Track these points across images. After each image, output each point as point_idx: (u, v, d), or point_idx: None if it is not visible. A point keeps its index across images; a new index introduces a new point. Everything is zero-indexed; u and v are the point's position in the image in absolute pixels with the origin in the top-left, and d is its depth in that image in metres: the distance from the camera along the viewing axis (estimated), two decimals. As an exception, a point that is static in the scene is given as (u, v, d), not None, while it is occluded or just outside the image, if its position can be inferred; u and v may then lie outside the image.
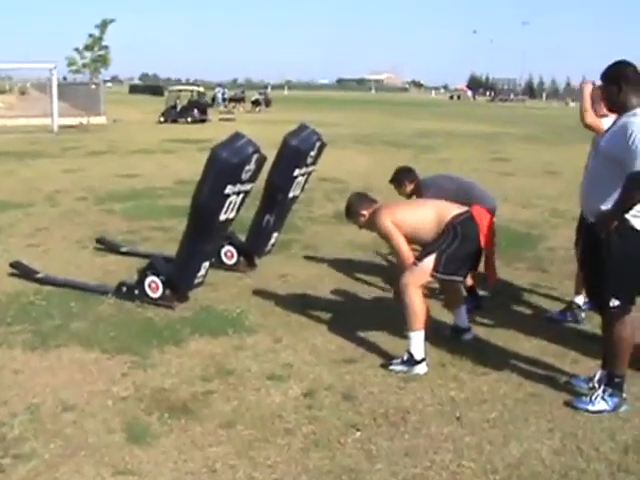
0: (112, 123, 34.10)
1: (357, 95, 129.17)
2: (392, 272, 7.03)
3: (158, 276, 6.96)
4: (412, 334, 5.61)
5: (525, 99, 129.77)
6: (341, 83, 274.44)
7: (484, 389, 5.25)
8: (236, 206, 6.70)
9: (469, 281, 6.96)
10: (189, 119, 36.45)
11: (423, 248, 5.81)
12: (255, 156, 6.54)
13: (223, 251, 8.23)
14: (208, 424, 4.68)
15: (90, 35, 35.59)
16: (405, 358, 5.58)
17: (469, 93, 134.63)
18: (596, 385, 5.03)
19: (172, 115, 36.72)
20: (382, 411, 4.88)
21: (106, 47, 36.14)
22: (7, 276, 7.76)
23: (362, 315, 6.76)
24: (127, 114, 40.67)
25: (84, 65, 36.09)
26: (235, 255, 8.28)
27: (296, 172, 8.06)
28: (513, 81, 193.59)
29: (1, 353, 5.81)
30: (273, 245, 8.75)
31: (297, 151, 8.01)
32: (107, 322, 6.48)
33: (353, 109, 57.73)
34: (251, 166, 6.53)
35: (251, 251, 8.43)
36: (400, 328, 6.17)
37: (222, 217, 6.61)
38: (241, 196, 6.67)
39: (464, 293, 6.81)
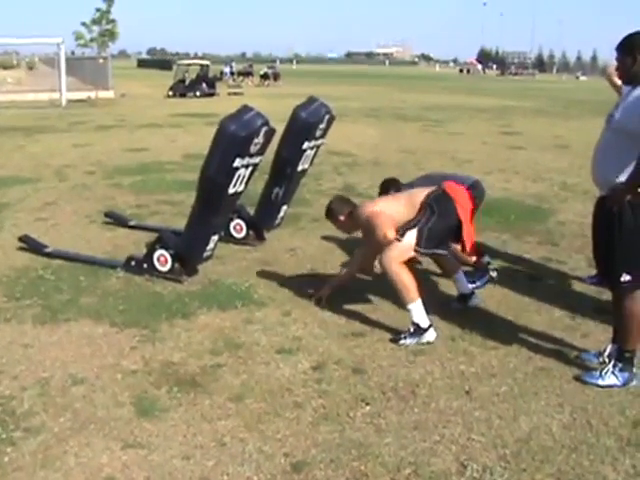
0: (120, 97, 34.04)
1: (366, 69, 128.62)
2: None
3: (167, 250, 6.95)
4: (410, 306, 5.63)
5: (535, 72, 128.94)
6: (350, 57, 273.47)
7: (494, 363, 5.24)
8: (245, 179, 6.68)
9: (472, 258, 6.98)
10: (197, 93, 36.33)
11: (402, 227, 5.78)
12: (264, 129, 6.50)
13: (232, 224, 8.22)
14: (217, 397, 4.68)
15: (97, 9, 35.31)
16: (412, 330, 5.59)
17: (479, 67, 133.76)
18: (606, 360, 5.01)
19: (180, 89, 36.60)
20: (391, 385, 4.88)
21: (113, 21, 35.86)
22: (16, 250, 7.77)
23: (371, 289, 6.74)
24: (135, 88, 40.63)
25: (91, 39, 35.82)
26: (244, 228, 8.26)
27: (305, 145, 8.04)
28: (523, 54, 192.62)
29: (10, 328, 5.82)
30: (282, 218, 8.77)
31: (306, 124, 7.98)
32: (116, 296, 6.48)
33: (362, 83, 57.51)
34: (259, 139, 6.49)
35: (260, 224, 8.41)
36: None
37: (231, 190, 6.59)
38: (250, 169, 6.64)
39: (468, 263, 6.92)
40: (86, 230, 8.87)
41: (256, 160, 6.67)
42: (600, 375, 4.92)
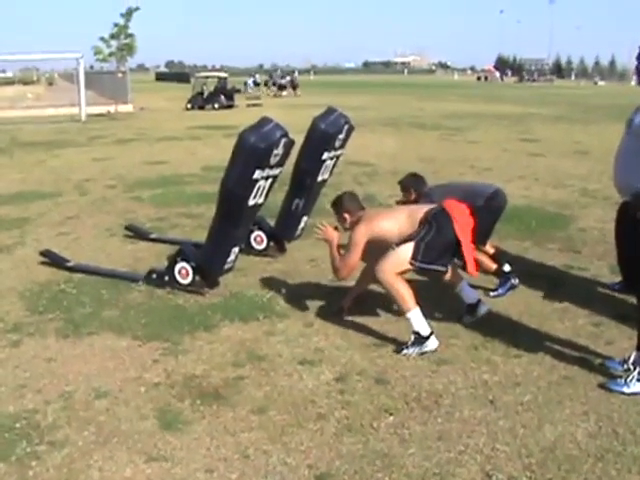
0: (139, 111, 34.20)
1: (384, 78, 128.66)
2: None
3: (188, 262, 6.95)
4: (408, 315, 5.65)
5: (553, 79, 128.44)
6: (367, 66, 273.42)
7: (517, 372, 5.21)
8: (265, 191, 6.69)
9: (493, 266, 6.95)
10: (216, 105, 36.41)
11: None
12: (283, 140, 6.51)
13: (253, 236, 8.21)
14: (240, 410, 4.68)
15: (115, 24, 35.53)
16: (413, 339, 5.59)
17: (497, 74, 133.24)
18: (631, 367, 4.96)
19: (199, 102, 36.68)
20: (415, 395, 4.86)
21: (132, 35, 36.05)
22: (38, 265, 7.81)
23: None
24: (154, 102, 40.80)
25: (110, 54, 36.03)
26: (265, 240, 8.26)
27: (325, 155, 8.04)
28: (541, 61, 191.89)
29: (34, 342, 5.85)
30: (303, 229, 8.76)
31: (325, 134, 7.97)
32: (138, 309, 6.49)
33: (380, 92, 57.51)
34: (279, 150, 6.50)
35: (281, 236, 8.43)
36: (431, 311, 6.16)
37: (251, 202, 6.60)
38: (270, 181, 6.65)
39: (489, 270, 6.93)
40: (107, 243, 8.90)
41: (276, 172, 6.68)
42: (625, 383, 4.88)
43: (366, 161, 15.73)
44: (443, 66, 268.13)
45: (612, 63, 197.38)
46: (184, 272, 6.98)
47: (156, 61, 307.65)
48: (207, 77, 42.82)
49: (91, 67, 46.05)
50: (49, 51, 36.45)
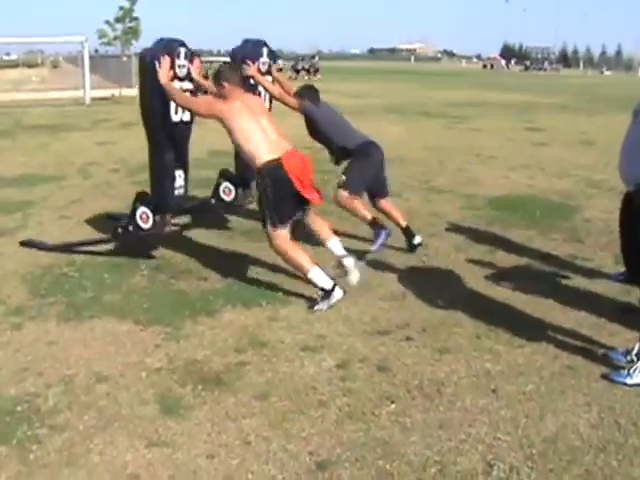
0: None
1: (390, 65, 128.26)
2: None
3: (147, 206, 7.11)
4: (309, 276, 6.07)
5: (559, 68, 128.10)
6: (373, 53, 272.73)
7: (520, 361, 5.20)
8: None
9: (402, 222, 7.88)
10: (220, 90, 36.28)
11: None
12: (182, 50, 6.70)
13: (221, 188, 8.20)
14: (242, 396, 4.67)
15: (121, 7, 35.36)
16: (321, 295, 6.02)
17: (502, 62, 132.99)
18: (634, 358, 4.96)
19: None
20: (416, 383, 4.85)
21: (137, 19, 35.87)
22: (40, 249, 7.79)
23: (395, 286, 6.71)
24: (159, 86, 40.67)
25: (115, 37, 35.88)
26: (233, 191, 8.23)
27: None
28: (547, 49, 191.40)
29: (35, 325, 5.84)
30: None
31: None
32: (140, 294, 6.48)
33: (385, 79, 57.33)
34: (182, 61, 6.70)
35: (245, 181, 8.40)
36: (433, 299, 6.16)
37: (175, 118, 6.78)
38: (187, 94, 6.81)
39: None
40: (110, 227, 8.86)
41: (189, 86, 6.86)
42: (628, 374, 4.87)
43: (370, 148, 15.64)
44: (449, 54, 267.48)
45: (618, 53, 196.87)
46: (145, 217, 7.13)
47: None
48: (212, 62, 42.72)
49: (96, 51, 45.77)
50: (54, 34, 36.30)
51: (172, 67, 6.60)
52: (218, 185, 8.11)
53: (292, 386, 4.80)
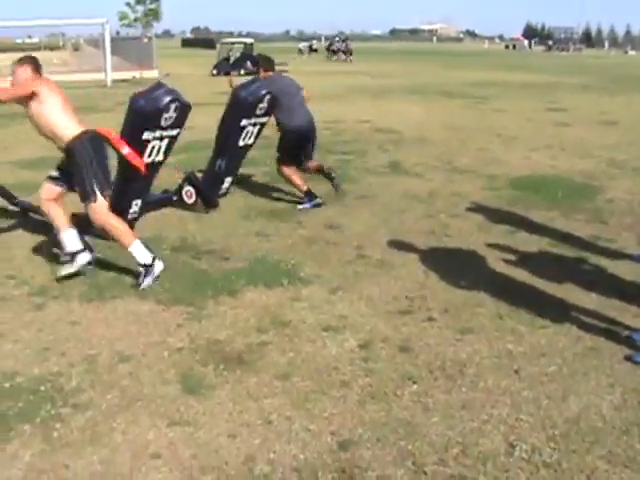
0: (165, 77, 34.12)
1: (411, 46, 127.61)
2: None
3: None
4: (130, 249, 6.17)
5: (582, 48, 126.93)
6: (394, 34, 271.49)
7: (542, 342, 5.17)
8: (162, 150, 7.13)
9: (305, 187, 8.88)
10: (242, 71, 36.19)
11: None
12: (173, 105, 6.90)
13: (184, 191, 8.78)
14: (263, 375, 4.68)
15: (141, -12, 35.52)
16: (143, 272, 6.14)
17: (525, 43, 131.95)
18: (658, 340, 4.92)
19: (225, 68, 36.50)
20: (439, 363, 4.84)
21: (157, 1, 36.02)
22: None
23: (418, 266, 6.69)
24: (179, 68, 40.67)
25: (136, 19, 36.01)
26: (194, 195, 8.74)
27: (244, 122, 8.49)
28: (570, 29, 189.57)
29: (58, 305, 5.87)
30: (227, 189, 9.20)
31: (245, 102, 8.44)
32: (162, 274, 6.48)
33: (407, 60, 57.09)
34: (170, 113, 6.88)
35: (206, 192, 8.85)
36: (455, 279, 6.14)
37: (146, 159, 6.98)
38: (166, 141, 7.12)
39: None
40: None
41: (172, 132, 7.13)
42: (652, 355, 4.83)
43: (392, 128, 15.62)
44: (471, 34, 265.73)
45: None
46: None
47: (182, 27, 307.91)
48: (233, 43, 42.67)
49: (117, 33, 45.88)
50: (75, 16, 36.38)
51: (156, 119, 6.87)
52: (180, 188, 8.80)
53: (314, 366, 4.80)
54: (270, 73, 9.02)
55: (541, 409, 4.30)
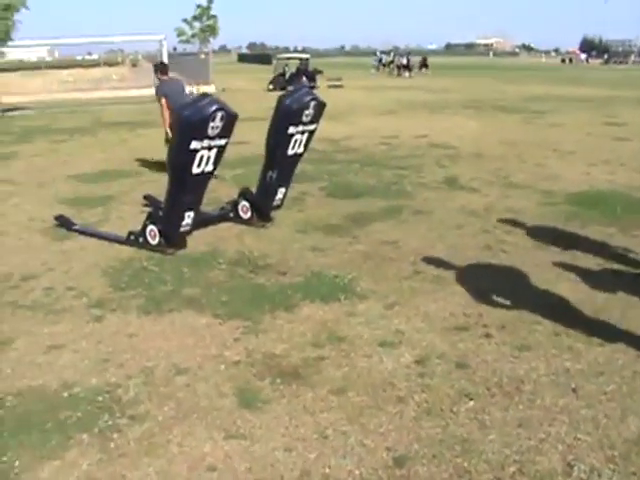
0: (221, 92, 34.45)
1: (466, 60, 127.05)
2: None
3: (155, 225, 7.60)
4: None
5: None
6: (449, 48, 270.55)
7: (600, 360, 5.09)
8: (211, 160, 7.23)
9: None
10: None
11: None
12: (219, 114, 7.00)
13: (239, 206, 8.87)
14: (319, 390, 4.68)
15: (198, 5, 36.01)
16: None
17: (582, 56, 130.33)
18: None
19: (280, 83, 36.73)
20: (496, 380, 4.80)
21: (214, 17, 36.62)
22: (120, 243, 7.93)
23: (474, 282, 6.65)
24: (236, 83, 41.05)
25: (193, 35, 36.54)
26: (249, 210, 8.87)
27: (291, 130, 8.42)
28: (629, 42, 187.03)
29: (116, 317, 5.95)
30: (281, 200, 9.10)
31: (289, 110, 8.41)
32: (219, 287, 6.55)
33: (462, 74, 56.87)
34: (216, 123, 6.99)
35: (260, 205, 8.90)
36: (515, 295, 6.10)
37: (195, 170, 7.14)
38: (215, 150, 7.27)
39: None
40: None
41: (220, 142, 7.24)
42: None
43: (448, 143, 15.56)
44: (527, 48, 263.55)
45: None
46: (152, 234, 7.63)
47: (238, 42, 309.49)
48: (289, 58, 42.92)
49: (174, 48, 46.56)
50: (133, 33, 36.93)
51: (204, 128, 6.97)
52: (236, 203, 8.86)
53: (370, 381, 4.80)
54: (165, 77, 11.93)
55: (599, 428, 4.24)
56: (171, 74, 12.88)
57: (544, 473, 3.82)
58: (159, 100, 11.68)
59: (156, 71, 12.19)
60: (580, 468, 3.86)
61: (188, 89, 31.94)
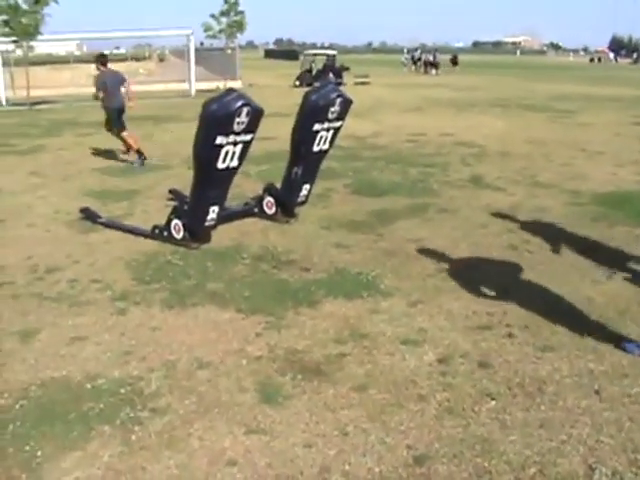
0: (248, 87, 34.48)
1: (494, 58, 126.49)
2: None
3: (180, 219, 7.62)
4: None
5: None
6: (477, 46, 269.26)
7: (624, 362, 5.05)
8: (236, 155, 7.21)
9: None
10: (324, 83, 36.36)
11: None
12: (245, 109, 6.97)
13: (264, 202, 8.88)
14: (341, 387, 4.68)
15: (226, 1, 35.82)
16: None
17: (610, 55, 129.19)
18: None
19: (307, 79, 36.72)
20: (518, 380, 4.77)
21: (241, 12, 36.27)
22: (145, 236, 7.96)
23: (499, 281, 6.61)
24: (262, 78, 41.10)
25: (220, 30, 36.36)
26: (274, 205, 8.87)
27: (316, 127, 8.36)
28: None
29: (140, 310, 5.98)
30: (306, 196, 9.06)
31: (315, 106, 8.35)
32: (242, 282, 6.56)
33: (489, 73, 56.61)
34: (242, 118, 6.96)
35: (285, 201, 8.90)
36: (539, 295, 6.06)
37: (221, 165, 7.13)
38: (240, 146, 7.23)
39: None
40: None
41: (246, 137, 7.21)
42: None
43: (474, 142, 15.50)
44: (555, 47, 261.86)
45: None
46: (177, 228, 7.65)
47: (265, 38, 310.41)
48: (316, 55, 42.88)
49: (201, 43, 46.47)
50: (160, 28, 37.11)
51: (229, 123, 6.97)
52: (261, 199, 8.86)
53: (392, 379, 4.79)
54: (103, 68, 12.99)
55: (623, 431, 4.20)
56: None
57: (565, 475, 3.79)
58: (97, 90, 12.88)
59: (96, 62, 13.18)
60: (602, 471, 3.82)
61: (215, 84, 32.09)
